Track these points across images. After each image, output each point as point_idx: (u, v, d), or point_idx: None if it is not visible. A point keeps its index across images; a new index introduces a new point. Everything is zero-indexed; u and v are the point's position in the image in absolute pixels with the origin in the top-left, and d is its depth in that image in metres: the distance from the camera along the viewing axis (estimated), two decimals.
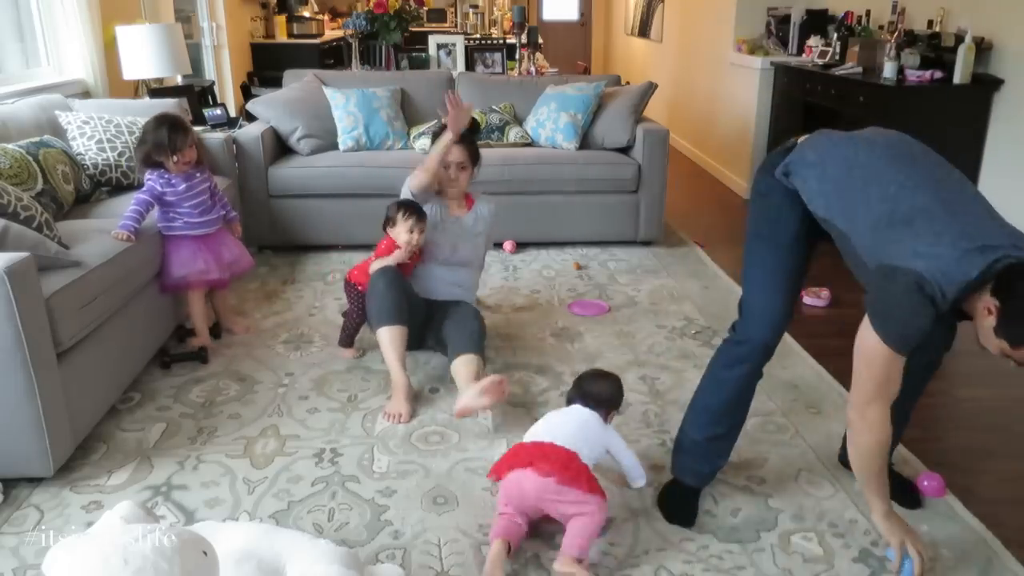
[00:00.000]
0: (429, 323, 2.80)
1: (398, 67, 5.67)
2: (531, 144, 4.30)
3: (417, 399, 2.58)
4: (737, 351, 1.97)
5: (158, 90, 4.31)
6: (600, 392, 2.12)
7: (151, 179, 2.74)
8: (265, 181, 3.97)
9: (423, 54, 5.86)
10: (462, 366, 2.53)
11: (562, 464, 1.84)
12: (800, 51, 5.18)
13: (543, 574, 1.81)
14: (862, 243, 1.68)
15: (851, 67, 4.28)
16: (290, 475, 2.18)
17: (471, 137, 2.91)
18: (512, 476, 1.88)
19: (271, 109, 4.14)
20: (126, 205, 3.09)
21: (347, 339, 2.91)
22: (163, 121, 2.75)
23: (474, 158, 2.87)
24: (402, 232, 2.70)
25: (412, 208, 2.72)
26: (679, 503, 2.03)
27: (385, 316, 2.59)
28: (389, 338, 2.57)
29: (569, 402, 2.13)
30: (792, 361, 2.86)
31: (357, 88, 4.30)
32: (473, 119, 3.10)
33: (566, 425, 2.00)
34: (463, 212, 2.92)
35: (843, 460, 2.21)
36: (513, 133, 4.30)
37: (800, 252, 1.94)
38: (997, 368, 2.97)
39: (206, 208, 2.85)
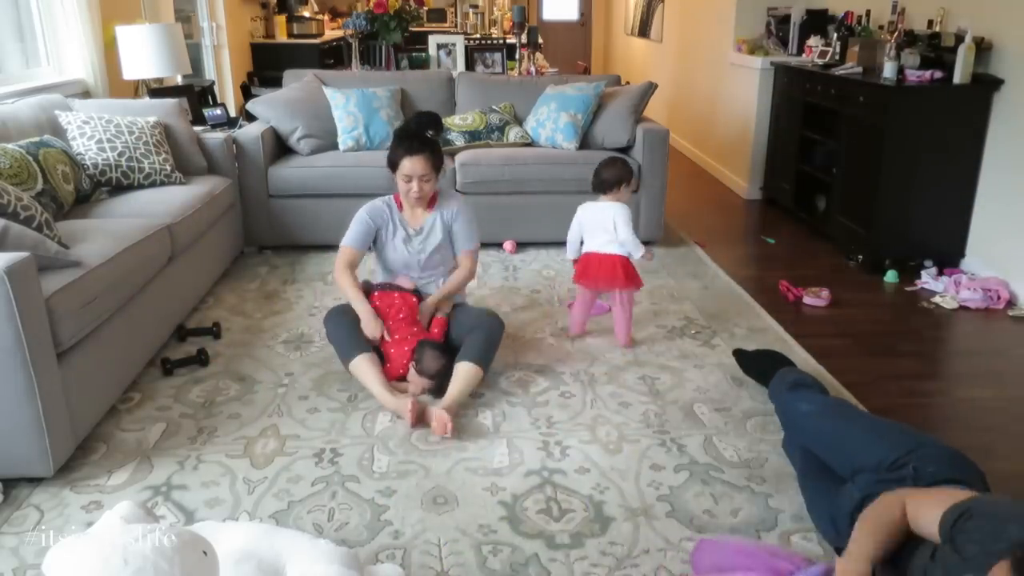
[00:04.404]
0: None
1: (398, 67, 5.67)
2: (531, 144, 4.30)
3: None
4: None
5: (158, 90, 4.31)
6: (609, 175, 2.95)
7: None
8: (265, 181, 3.97)
9: (423, 54, 5.86)
10: (458, 376, 2.52)
11: (621, 276, 2.89)
12: (800, 51, 5.18)
13: (543, 573, 1.81)
14: None
15: (851, 67, 4.28)
16: (290, 475, 2.18)
17: (432, 142, 2.78)
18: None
19: (271, 109, 4.14)
20: (126, 205, 3.11)
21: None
22: None
23: (437, 166, 2.73)
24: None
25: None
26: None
27: (347, 350, 2.58)
28: (362, 368, 2.54)
29: (595, 189, 3.00)
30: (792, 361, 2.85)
31: (357, 88, 4.30)
32: (435, 115, 3.03)
33: (594, 227, 2.93)
34: (423, 218, 2.81)
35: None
36: (513, 133, 4.30)
37: None
38: (996, 368, 2.98)
39: None
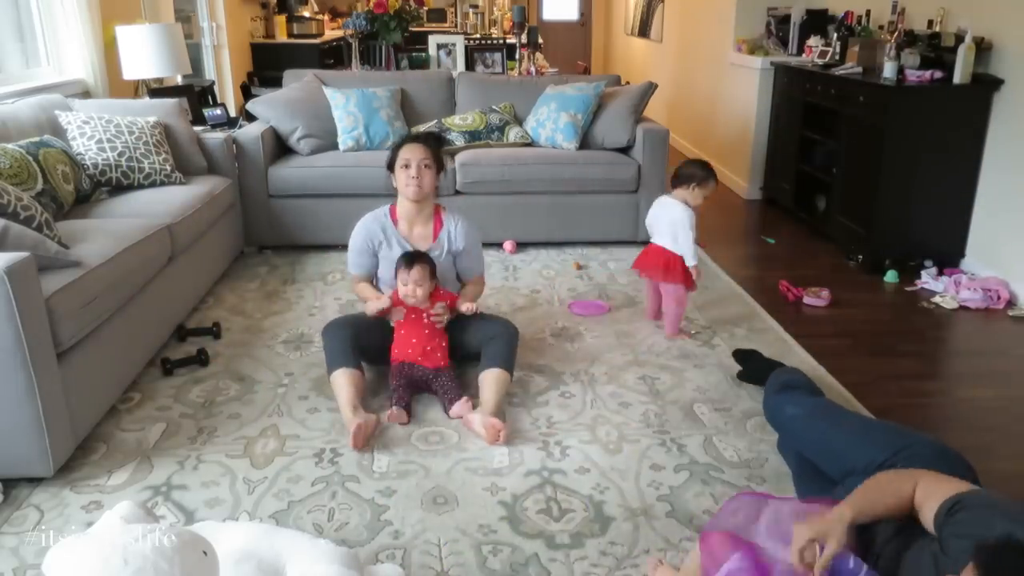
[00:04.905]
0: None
1: (398, 67, 5.67)
2: (531, 144, 4.30)
3: (375, 435, 2.37)
4: None
5: (158, 90, 4.31)
6: (682, 171, 3.03)
7: None
8: (265, 181, 3.97)
9: (423, 54, 5.86)
10: (492, 383, 2.49)
11: (660, 268, 3.03)
12: (800, 51, 5.18)
13: (543, 573, 1.81)
14: None
15: (851, 67, 4.28)
16: (290, 475, 2.18)
17: (431, 136, 2.77)
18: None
19: (271, 109, 4.14)
20: (126, 205, 3.11)
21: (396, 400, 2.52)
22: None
23: (437, 157, 2.68)
24: (399, 284, 2.59)
25: (409, 259, 2.56)
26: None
27: (332, 361, 2.54)
28: (339, 382, 2.48)
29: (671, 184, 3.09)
30: (792, 361, 2.85)
31: (357, 88, 4.30)
32: (437, 134, 3.01)
33: (657, 219, 3.08)
34: (430, 240, 2.74)
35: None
36: (513, 133, 4.30)
37: None
38: (997, 368, 2.98)
39: None
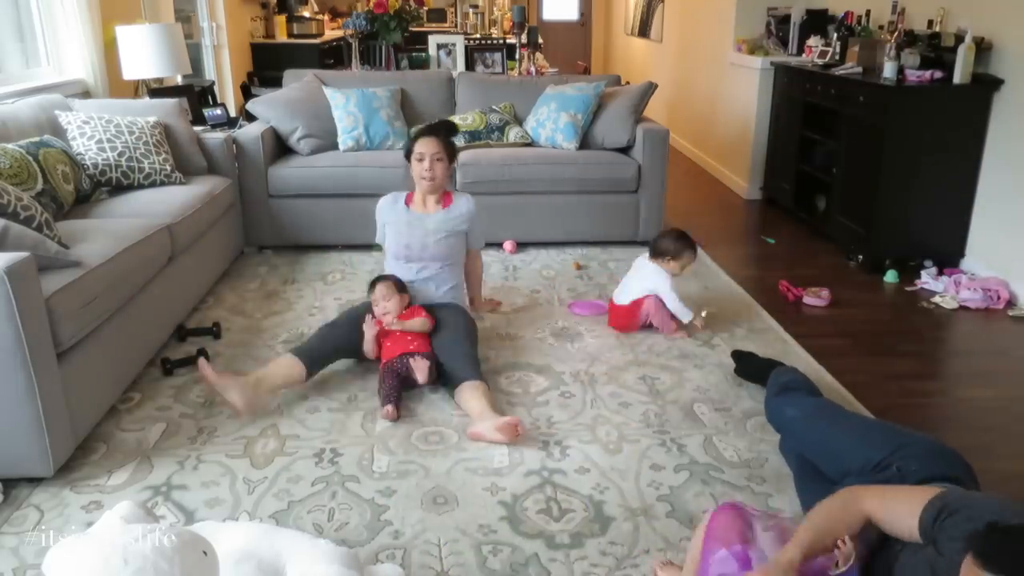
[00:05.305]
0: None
1: (398, 67, 5.67)
2: (531, 144, 4.30)
3: (260, 411, 2.47)
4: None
5: (158, 90, 4.31)
6: (656, 245, 3.09)
7: None
8: (265, 181, 3.97)
9: (423, 54, 5.86)
10: (471, 394, 2.47)
11: (626, 324, 3.13)
12: (800, 51, 5.18)
13: (543, 573, 1.81)
14: None
15: (851, 67, 4.28)
16: (290, 475, 2.18)
17: (444, 128, 2.96)
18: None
19: (271, 109, 4.14)
20: (126, 205, 3.11)
21: (385, 398, 2.55)
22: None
23: (449, 149, 2.88)
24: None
25: (372, 282, 2.79)
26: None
27: (299, 350, 2.62)
28: (280, 362, 2.55)
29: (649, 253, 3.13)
30: (792, 361, 2.85)
31: (357, 88, 4.30)
32: (450, 122, 3.12)
33: (628, 279, 3.15)
34: (435, 209, 2.93)
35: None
36: (513, 133, 4.30)
37: None
38: (996, 368, 2.98)
39: None
